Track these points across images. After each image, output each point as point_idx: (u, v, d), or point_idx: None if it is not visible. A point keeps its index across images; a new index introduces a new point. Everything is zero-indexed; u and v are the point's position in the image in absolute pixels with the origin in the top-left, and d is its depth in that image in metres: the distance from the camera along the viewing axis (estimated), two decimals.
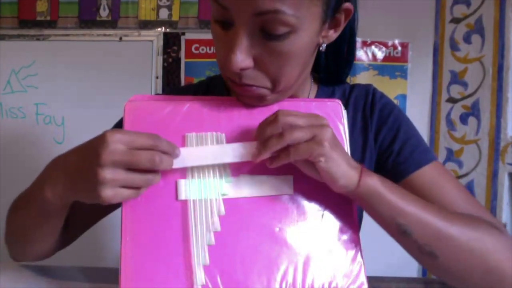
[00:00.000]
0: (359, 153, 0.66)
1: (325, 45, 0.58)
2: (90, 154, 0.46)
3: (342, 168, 0.49)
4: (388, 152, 0.64)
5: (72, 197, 0.51)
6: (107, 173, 0.45)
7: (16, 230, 0.61)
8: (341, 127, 0.57)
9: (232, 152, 0.52)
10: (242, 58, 0.50)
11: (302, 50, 0.53)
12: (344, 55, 0.66)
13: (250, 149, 0.52)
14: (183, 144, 0.54)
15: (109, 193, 0.46)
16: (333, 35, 0.58)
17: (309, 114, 0.50)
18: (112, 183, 0.45)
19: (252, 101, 0.57)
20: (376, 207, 0.51)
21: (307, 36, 0.51)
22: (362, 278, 0.50)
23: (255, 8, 0.47)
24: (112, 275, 0.59)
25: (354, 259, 0.51)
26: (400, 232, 0.51)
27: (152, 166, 0.47)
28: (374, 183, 0.50)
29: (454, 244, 0.50)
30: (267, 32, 0.49)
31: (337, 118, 0.58)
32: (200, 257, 0.49)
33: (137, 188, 0.48)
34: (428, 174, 0.61)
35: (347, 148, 0.57)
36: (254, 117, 0.57)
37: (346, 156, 0.50)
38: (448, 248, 0.50)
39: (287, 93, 0.58)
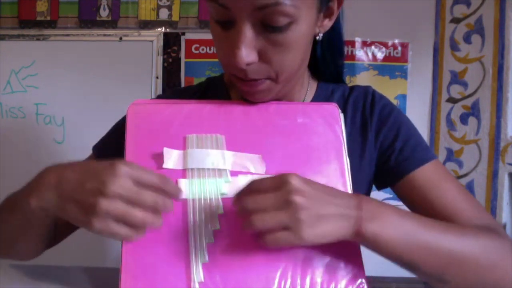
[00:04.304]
0: (359, 152, 0.66)
1: (322, 34, 0.60)
2: (94, 180, 0.45)
3: (327, 228, 0.45)
4: (389, 151, 0.65)
5: (57, 214, 0.49)
6: (107, 204, 0.44)
7: (0, 231, 0.58)
8: (338, 130, 0.58)
9: (231, 159, 0.54)
10: (247, 53, 0.51)
11: (303, 39, 0.55)
12: (336, 46, 0.67)
13: (250, 159, 0.54)
14: (184, 145, 0.55)
15: (101, 225, 0.44)
16: (328, 24, 0.60)
17: (275, 193, 0.45)
18: (108, 215, 0.44)
19: (257, 97, 0.58)
20: (376, 251, 0.49)
21: (306, 25, 0.53)
22: (362, 278, 0.50)
23: (256, 3, 0.48)
24: (113, 275, 0.60)
25: (353, 259, 0.51)
26: (406, 267, 0.50)
27: (155, 207, 0.46)
28: (372, 230, 0.46)
29: (464, 268, 0.50)
30: (269, 24, 0.50)
31: (334, 121, 0.59)
32: (199, 255, 0.49)
33: (133, 227, 0.46)
34: (429, 172, 0.61)
35: (344, 150, 0.57)
36: (252, 119, 0.58)
37: (331, 209, 0.46)
38: (458, 272, 0.50)
39: (290, 84, 0.60)
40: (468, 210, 0.58)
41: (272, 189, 0.45)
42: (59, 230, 0.63)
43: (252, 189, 0.46)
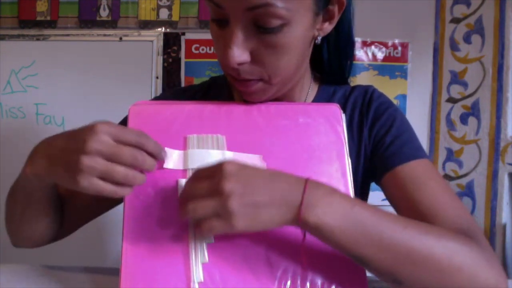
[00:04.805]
0: (356, 148, 0.66)
1: (320, 37, 0.59)
2: (76, 140, 0.46)
3: (263, 216, 0.44)
4: (380, 145, 0.64)
5: (49, 178, 0.51)
6: (88, 160, 0.45)
7: (9, 216, 0.63)
8: (340, 130, 0.58)
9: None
10: (238, 53, 0.52)
11: (297, 42, 0.54)
12: (344, 49, 0.66)
13: (250, 160, 0.54)
14: (185, 145, 0.55)
15: (86, 181, 0.45)
16: (328, 27, 0.59)
17: (208, 180, 0.45)
18: (91, 171, 0.45)
19: (253, 97, 0.58)
20: (323, 240, 0.46)
21: (300, 28, 0.53)
22: (362, 279, 0.50)
23: (247, 3, 0.49)
24: (113, 275, 0.60)
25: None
26: (356, 261, 0.47)
27: (134, 162, 0.47)
28: (315, 218, 0.44)
29: (421, 269, 0.46)
30: (261, 25, 0.51)
31: (336, 122, 0.59)
32: (199, 255, 0.49)
33: (117, 184, 0.47)
34: (414, 170, 0.59)
35: (346, 151, 0.57)
36: (252, 119, 0.58)
37: (268, 196, 0.44)
38: (413, 273, 0.46)
39: (286, 86, 0.60)
40: (448, 210, 0.55)
41: (208, 177, 0.45)
42: (67, 216, 0.65)
43: (193, 177, 0.47)
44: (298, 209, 0.44)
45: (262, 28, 0.51)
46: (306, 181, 0.46)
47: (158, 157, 0.50)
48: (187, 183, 0.48)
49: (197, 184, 0.45)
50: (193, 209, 0.44)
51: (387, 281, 0.48)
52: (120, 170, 0.46)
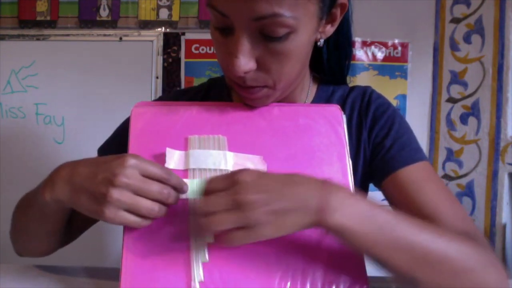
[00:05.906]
0: (354, 149, 0.66)
1: (323, 40, 0.60)
2: (105, 171, 0.47)
3: (285, 223, 0.44)
4: (379, 148, 0.64)
5: (70, 205, 0.51)
6: (117, 194, 0.46)
7: (18, 228, 0.63)
8: (341, 131, 0.58)
9: (233, 160, 0.54)
10: (245, 62, 0.51)
11: (302, 48, 0.54)
12: (343, 49, 0.67)
13: (251, 160, 0.54)
14: (186, 146, 0.55)
15: (112, 213, 0.46)
16: (330, 30, 0.59)
17: (226, 193, 0.45)
18: (118, 204, 0.46)
19: (256, 102, 0.58)
20: (344, 242, 0.47)
21: (306, 34, 0.53)
22: (363, 279, 0.50)
23: (254, 14, 0.48)
24: (113, 275, 0.60)
25: (356, 262, 0.51)
26: (376, 262, 0.48)
27: (160, 197, 0.48)
28: (336, 222, 0.44)
29: (437, 270, 0.47)
30: (267, 34, 0.50)
31: (337, 123, 0.59)
32: (199, 254, 0.49)
33: (140, 216, 0.48)
34: (414, 173, 0.60)
35: (346, 152, 0.57)
36: (254, 120, 0.59)
37: (289, 202, 0.44)
38: (430, 273, 0.47)
39: (289, 89, 0.60)
40: (448, 214, 0.56)
41: (224, 189, 0.45)
42: (74, 227, 0.66)
43: (206, 189, 0.47)
44: (320, 212, 0.44)
45: (268, 37, 0.50)
46: (324, 183, 0.46)
47: (180, 191, 0.50)
48: (202, 199, 0.47)
49: (214, 199, 0.45)
50: (216, 224, 0.44)
51: (404, 282, 0.49)
52: (146, 205, 0.47)
